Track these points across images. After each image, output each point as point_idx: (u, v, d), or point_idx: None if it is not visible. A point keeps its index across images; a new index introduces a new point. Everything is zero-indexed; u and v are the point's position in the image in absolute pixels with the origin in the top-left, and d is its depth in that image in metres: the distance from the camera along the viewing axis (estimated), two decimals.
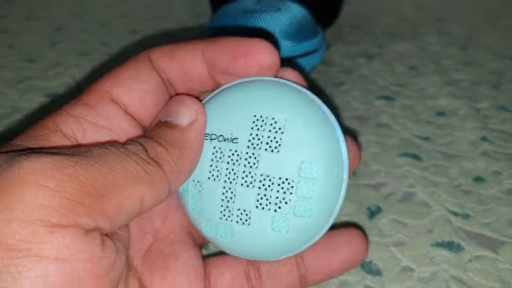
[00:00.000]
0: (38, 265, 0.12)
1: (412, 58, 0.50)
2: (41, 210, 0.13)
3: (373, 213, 0.28)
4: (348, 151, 0.18)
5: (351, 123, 0.38)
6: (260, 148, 0.17)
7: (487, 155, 0.34)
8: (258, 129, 0.17)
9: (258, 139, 0.17)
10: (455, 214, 0.28)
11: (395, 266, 0.24)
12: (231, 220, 0.18)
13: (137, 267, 0.18)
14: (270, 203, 0.17)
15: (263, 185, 0.17)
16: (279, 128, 0.17)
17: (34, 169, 0.13)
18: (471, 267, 0.25)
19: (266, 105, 0.17)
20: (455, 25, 0.61)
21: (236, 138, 0.17)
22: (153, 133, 0.17)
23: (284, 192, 0.17)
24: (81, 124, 0.17)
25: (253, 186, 0.17)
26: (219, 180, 0.18)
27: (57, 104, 0.40)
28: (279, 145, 0.17)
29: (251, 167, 0.17)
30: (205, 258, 0.20)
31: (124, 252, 0.16)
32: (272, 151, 0.17)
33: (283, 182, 0.17)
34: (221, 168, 0.18)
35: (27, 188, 0.13)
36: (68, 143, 0.17)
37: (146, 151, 0.16)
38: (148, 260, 0.18)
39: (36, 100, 0.41)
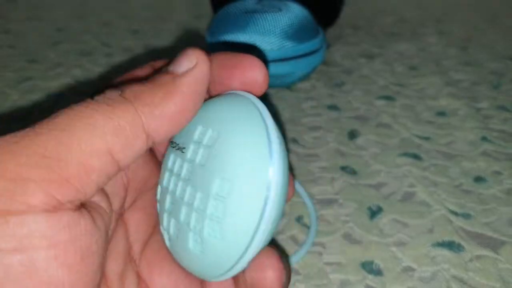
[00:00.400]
0: None
1: (413, 58, 0.50)
2: None
3: (374, 213, 0.28)
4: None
5: (351, 123, 0.38)
6: (196, 160, 0.16)
7: (488, 155, 0.34)
8: (200, 140, 0.16)
9: (197, 150, 0.16)
10: (456, 214, 0.28)
11: (396, 266, 0.24)
12: (174, 235, 0.17)
13: (136, 259, 0.18)
14: (190, 222, 0.16)
15: (190, 199, 0.16)
16: (212, 143, 0.16)
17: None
18: (471, 267, 0.25)
19: (210, 115, 0.17)
20: (455, 26, 0.61)
21: (184, 148, 0.17)
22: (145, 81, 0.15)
23: (200, 209, 0.16)
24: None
25: (184, 201, 0.17)
26: (176, 185, 0.17)
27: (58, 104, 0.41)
28: (207, 158, 0.16)
29: (187, 179, 0.17)
30: None
31: (103, 228, 0.14)
32: (202, 164, 0.16)
33: (203, 196, 0.16)
34: (172, 178, 0.17)
35: None
36: None
37: (121, 92, 0.14)
38: (146, 253, 0.19)
39: (37, 100, 0.41)
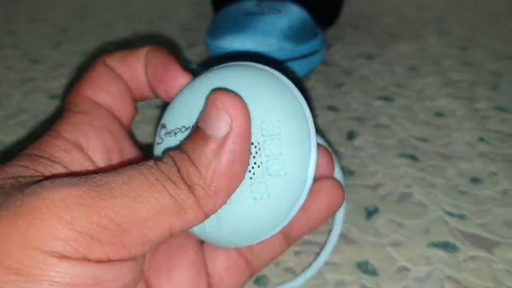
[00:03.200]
0: None
1: (412, 59, 0.51)
2: (53, 241, 0.13)
3: (370, 213, 0.29)
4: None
5: (350, 124, 0.38)
6: None
7: (484, 156, 0.34)
8: None
9: None
10: (451, 214, 0.28)
11: (391, 266, 0.25)
12: None
13: (144, 270, 0.19)
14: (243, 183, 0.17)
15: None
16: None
17: (52, 199, 0.13)
18: (466, 267, 0.25)
19: (221, 84, 0.17)
20: (455, 26, 0.61)
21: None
22: (189, 144, 0.16)
23: (254, 157, 0.17)
24: (82, 130, 0.18)
25: None
26: None
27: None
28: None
29: None
30: None
31: (139, 267, 0.16)
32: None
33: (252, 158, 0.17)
34: None
35: (43, 219, 0.13)
36: (72, 147, 0.17)
37: (178, 171, 0.15)
38: (154, 260, 0.19)
39: (40, 101, 0.41)
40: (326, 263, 0.25)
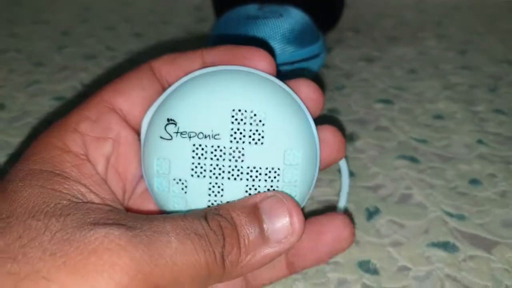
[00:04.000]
0: None
1: (412, 62, 0.51)
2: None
3: (371, 214, 0.29)
4: (324, 139, 0.20)
5: (351, 127, 0.38)
6: (243, 142, 0.18)
7: (483, 158, 0.35)
8: (238, 123, 0.18)
9: (240, 133, 0.18)
10: (451, 215, 0.29)
11: (392, 266, 0.25)
12: None
13: None
14: (259, 192, 0.18)
15: (251, 176, 0.18)
16: (260, 121, 0.18)
17: (110, 250, 0.14)
18: (465, 267, 0.25)
19: (242, 98, 0.18)
20: (454, 29, 0.62)
21: (218, 134, 0.18)
22: (244, 227, 0.17)
23: (272, 180, 0.18)
24: (89, 141, 0.18)
25: (241, 179, 0.18)
26: (204, 176, 0.18)
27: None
28: (262, 137, 0.18)
29: (236, 160, 0.18)
30: None
31: None
32: (256, 143, 0.18)
33: (269, 171, 0.18)
34: (205, 164, 0.18)
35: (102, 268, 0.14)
36: (81, 161, 0.18)
37: (223, 246, 0.16)
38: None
39: (44, 103, 0.42)
40: (328, 263, 0.25)
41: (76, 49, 0.55)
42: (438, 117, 0.40)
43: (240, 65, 0.19)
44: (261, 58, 0.19)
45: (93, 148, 0.18)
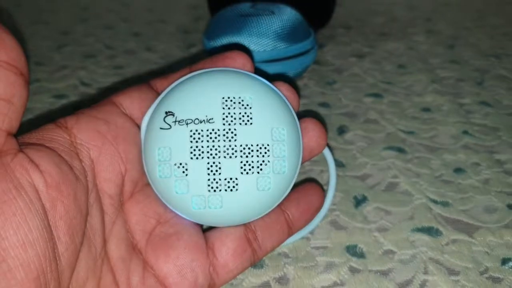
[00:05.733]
0: None
1: (401, 57, 0.52)
2: None
3: (359, 201, 0.30)
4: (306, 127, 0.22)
5: (341, 120, 0.39)
6: (235, 123, 0.20)
7: (468, 148, 0.36)
8: (229, 108, 0.20)
9: (231, 116, 0.20)
10: (435, 202, 0.30)
11: (378, 249, 0.26)
12: (220, 190, 0.20)
13: (141, 249, 0.20)
14: (253, 167, 0.20)
15: (244, 153, 0.20)
16: (247, 105, 0.20)
17: None
18: (447, 250, 0.26)
19: (230, 88, 0.20)
20: (443, 25, 0.63)
21: (212, 119, 0.20)
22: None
23: (263, 156, 0.20)
24: (78, 115, 0.19)
25: (235, 156, 0.20)
26: (202, 157, 0.20)
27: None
28: (250, 118, 0.20)
29: (230, 140, 0.20)
30: (205, 231, 0.22)
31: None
32: (245, 124, 0.20)
33: (260, 148, 0.20)
34: (202, 146, 0.20)
35: None
36: (91, 166, 0.19)
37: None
38: (152, 242, 0.20)
39: (45, 101, 0.43)
40: (317, 248, 0.26)
41: (75, 48, 0.55)
42: (426, 109, 0.41)
43: (224, 65, 0.22)
44: (240, 57, 0.22)
45: (81, 121, 0.19)
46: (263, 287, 0.24)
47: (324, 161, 0.33)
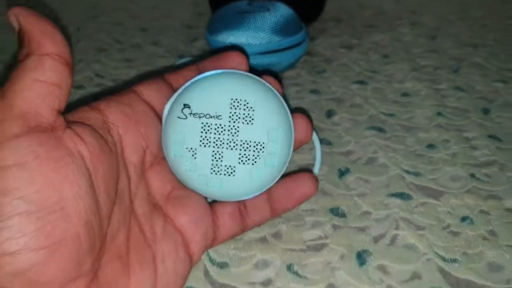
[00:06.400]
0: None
1: (386, 48, 0.56)
2: None
3: (342, 173, 0.34)
4: (296, 123, 0.26)
5: (329, 104, 0.44)
6: (239, 122, 0.24)
7: (440, 127, 0.40)
8: (235, 108, 0.24)
9: (237, 115, 0.24)
10: (408, 172, 0.34)
11: (357, 211, 0.31)
12: (220, 174, 0.24)
13: (161, 206, 0.25)
14: (249, 159, 0.24)
15: (243, 147, 0.24)
16: (251, 107, 0.24)
17: None
18: (417, 211, 0.31)
19: (239, 91, 0.24)
20: (427, 17, 0.67)
21: (220, 116, 0.24)
22: None
23: (258, 151, 0.24)
24: (107, 100, 0.23)
25: (236, 149, 0.24)
26: (209, 146, 0.24)
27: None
28: (252, 119, 0.24)
29: (232, 135, 0.24)
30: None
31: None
32: (247, 123, 0.24)
33: (257, 144, 0.24)
34: (210, 137, 0.24)
35: None
36: (119, 141, 0.23)
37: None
38: (170, 201, 0.25)
39: None
40: (306, 210, 0.31)
41: (88, 43, 0.59)
42: (405, 94, 0.45)
43: (225, 62, 0.26)
44: (237, 56, 0.26)
45: (125, 128, 0.23)
46: (261, 241, 0.28)
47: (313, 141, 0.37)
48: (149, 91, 0.25)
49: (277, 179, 0.25)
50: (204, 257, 0.27)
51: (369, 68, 0.51)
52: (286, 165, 0.25)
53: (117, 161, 0.22)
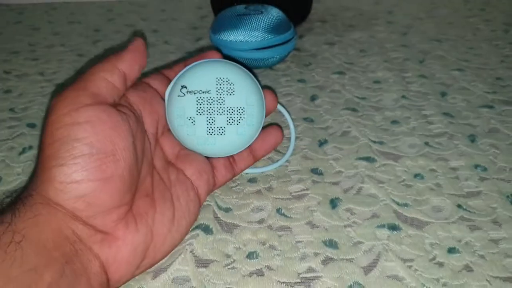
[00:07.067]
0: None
1: (363, 44, 0.63)
2: None
3: (322, 143, 0.41)
4: (265, 95, 0.33)
5: (313, 91, 0.50)
6: (224, 94, 0.31)
7: (404, 107, 0.46)
8: (220, 84, 0.31)
9: (222, 90, 0.31)
10: (374, 142, 0.41)
11: (332, 170, 0.37)
12: (214, 134, 0.31)
13: (173, 162, 0.31)
14: (234, 121, 0.31)
15: (229, 112, 0.31)
16: (232, 83, 0.31)
17: None
18: (379, 170, 0.37)
19: (221, 72, 0.31)
20: (400, 16, 0.73)
21: (209, 91, 0.31)
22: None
23: (240, 113, 0.31)
24: (144, 105, 0.30)
25: (224, 114, 0.31)
26: (204, 114, 0.31)
27: None
28: (233, 91, 0.31)
29: (220, 104, 0.31)
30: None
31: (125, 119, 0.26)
32: (230, 94, 0.31)
33: (239, 109, 0.31)
34: (204, 107, 0.31)
35: None
36: (139, 117, 0.29)
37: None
38: (179, 158, 0.31)
39: None
40: (292, 171, 0.37)
41: (107, 43, 0.66)
42: (376, 82, 0.52)
43: (207, 57, 0.33)
44: (214, 54, 0.33)
45: (143, 108, 0.30)
46: (257, 193, 0.35)
47: (300, 119, 0.44)
48: (154, 81, 0.32)
49: (257, 135, 0.32)
50: (212, 204, 0.34)
51: (347, 61, 0.57)
52: (262, 124, 0.32)
53: (143, 129, 0.29)
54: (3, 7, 0.85)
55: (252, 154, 0.35)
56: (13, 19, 0.78)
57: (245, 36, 0.51)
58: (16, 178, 0.37)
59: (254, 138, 0.32)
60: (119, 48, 0.63)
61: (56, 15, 0.80)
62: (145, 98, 0.30)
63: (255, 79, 0.32)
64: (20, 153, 0.40)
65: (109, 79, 0.26)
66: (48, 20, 0.77)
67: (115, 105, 0.27)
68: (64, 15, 0.79)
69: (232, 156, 0.34)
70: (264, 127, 0.34)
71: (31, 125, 0.45)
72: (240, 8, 0.53)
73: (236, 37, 0.51)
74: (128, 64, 0.27)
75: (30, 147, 0.41)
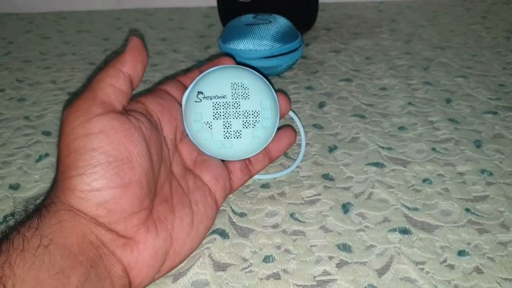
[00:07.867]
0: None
1: (368, 51, 0.63)
2: None
3: (331, 149, 0.42)
4: (278, 98, 0.34)
5: (321, 98, 0.51)
6: (239, 98, 0.31)
7: (410, 114, 0.47)
8: (235, 89, 0.31)
9: (237, 94, 0.31)
10: (383, 147, 0.42)
11: (343, 176, 0.38)
12: (231, 138, 0.32)
13: (191, 168, 0.32)
14: (249, 124, 0.32)
15: (245, 116, 0.32)
16: (246, 87, 0.32)
17: None
18: (388, 175, 0.38)
19: (236, 76, 0.32)
20: (404, 24, 0.74)
21: (225, 96, 0.31)
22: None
23: (255, 117, 0.32)
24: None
25: (240, 117, 0.31)
26: (220, 118, 0.31)
27: None
28: (248, 95, 0.32)
29: (236, 108, 0.31)
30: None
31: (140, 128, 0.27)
32: (245, 98, 0.32)
33: (254, 112, 0.32)
34: (220, 112, 0.31)
35: None
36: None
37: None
38: (197, 164, 0.32)
39: None
40: (303, 176, 0.38)
41: (117, 51, 0.67)
42: (383, 88, 0.53)
43: (221, 63, 0.34)
44: (227, 59, 0.34)
45: (161, 114, 0.31)
46: (271, 198, 0.36)
47: (309, 126, 0.45)
48: (170, 88, 0.33)
49: (272, 137, 0.33)
50: (227, 209, 0.34)
51: (354, 68, 0.58)
52: (277, 126, 0.33)
53: (160, 135, 0.30)
54: (12, 16, 0.86)
55: (268, 155, 0.36)
56: (24, 28, 0.79)
57: (254, 45, 0.51)
58: (34, 185, 0.38)
59: (270, 140, 0.33)
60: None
61: (66, 24, 0.81)
62: (164, 106, 0.31)
63: (268, 83, 0.33)
64: (37, 161, 0.41)
65: (116, 84, 0.27)
66: (58, 29, 0.78)
67: (125, 111, 0.28)
68: (73, 24, 0.80)
69: (248, 159, 0.35)
70: (277, 129, 0.35)
71: (47, 133, 0.46)
72: (249, 17, 0.54)
73: (246, 46, 0.52)
74: (131, 65, 0.28)
75: (47, 155, 0.42)
